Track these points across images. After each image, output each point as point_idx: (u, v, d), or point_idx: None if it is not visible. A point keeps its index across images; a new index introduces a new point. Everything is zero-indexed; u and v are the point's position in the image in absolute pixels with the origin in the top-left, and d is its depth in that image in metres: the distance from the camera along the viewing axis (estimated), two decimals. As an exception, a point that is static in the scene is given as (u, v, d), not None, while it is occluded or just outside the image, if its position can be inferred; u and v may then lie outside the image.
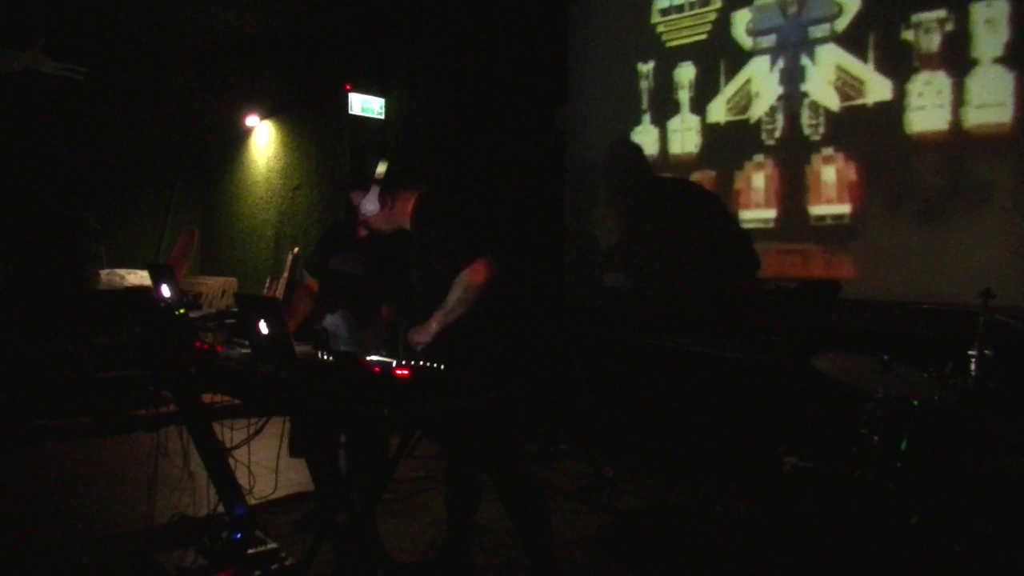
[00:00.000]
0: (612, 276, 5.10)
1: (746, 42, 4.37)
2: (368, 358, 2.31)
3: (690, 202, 4.70)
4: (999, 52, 3.43)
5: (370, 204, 2.93)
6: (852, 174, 3.93)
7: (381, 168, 2.92)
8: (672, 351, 4.10)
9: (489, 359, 2.70)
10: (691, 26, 4.64)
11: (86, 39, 7.32)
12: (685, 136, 4.68)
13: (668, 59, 4.75)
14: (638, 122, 4.91)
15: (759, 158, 4.30)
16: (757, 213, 4.32)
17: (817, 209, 4.06)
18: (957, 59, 3.55)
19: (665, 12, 4.78)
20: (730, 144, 4.44)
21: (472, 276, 2.68)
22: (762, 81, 4.28)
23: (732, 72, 4.43)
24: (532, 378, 2.94)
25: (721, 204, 4.48)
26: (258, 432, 2.84)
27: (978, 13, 3.50)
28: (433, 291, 2.79)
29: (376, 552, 3.17)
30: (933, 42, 3.63)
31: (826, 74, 4.00)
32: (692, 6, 4.64)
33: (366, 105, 6.26)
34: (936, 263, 3.62)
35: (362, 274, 3.53)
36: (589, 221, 5.21)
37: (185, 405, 3.07)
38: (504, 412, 2.64)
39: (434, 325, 2.72)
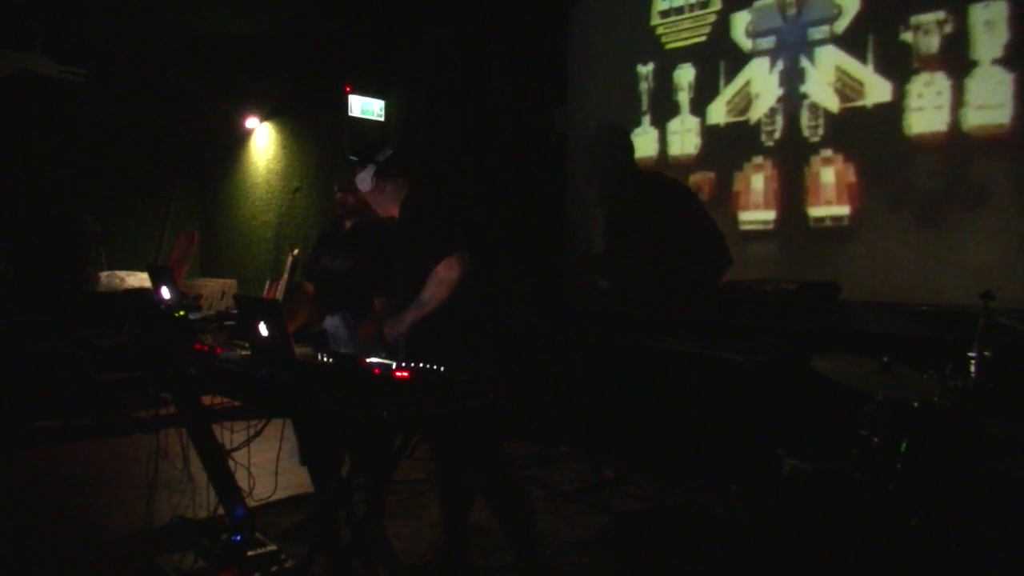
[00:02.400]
0: (603, 280, 5.10)
1: (745, 44, 4.37)
2: (368, 360, 2.31)
3: (670, 201, 4.71)
4: (998, 53, 3.43)
5: (364, 182, 3.00)
6: (851, 175, 3.93)
7: (385, 154, 3.00)
8: (672, 353, 4.09)
9: (470, 359, 2.72)
10: (690, 28, 4.64)
11: (86, 41, 7.32)
12: (685, 138, 4.68)
13: (668, 61, 4.75)
14: (638, 123, 4.91)
15: (758, 159, 4.30)
16: (756, 214, 4.32)
17: (816, 210, 4.06)
18: (956, 60, 3.55)
19: (665, 14, 4.79)
20: (730, 146, 4.44)
21: (446, 271, 2.75)
22: (761, 83, 4.29)
23: (732, 74, 4.43)
24: (524, 378, 2.95)
25: (699, 202, 4.51)
26: (258, 434, 2.83)
27: (977, 14, 3.50)
28: (412, 284, 2.84)
29: (384, 554, 3.17)
30: (932, 43, 3.63)
31: (825, 75, 4.00)
32: (691, 8, 4.64)
33: (366, 107, 6.25)
34: (936, 264, 3.62)
35: (350, 269, 3.53)
36: (589, 222, 5.21)
37: (185, 407, 3.07)
38: (487, 413, 2.65)
39: (407, 318, 2.79)
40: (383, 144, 3.08)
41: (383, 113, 6.32)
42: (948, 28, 3.57)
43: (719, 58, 4.49)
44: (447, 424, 2.60)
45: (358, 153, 3.09)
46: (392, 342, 2.82)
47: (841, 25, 3.95)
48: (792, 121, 4.14)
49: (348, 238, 3.58)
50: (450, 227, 2.90)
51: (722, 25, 4.48)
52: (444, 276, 2.74)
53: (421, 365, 2.22)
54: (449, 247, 2.77)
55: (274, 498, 3.34)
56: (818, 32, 4.04)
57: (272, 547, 2.99)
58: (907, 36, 3.70)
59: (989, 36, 3.46)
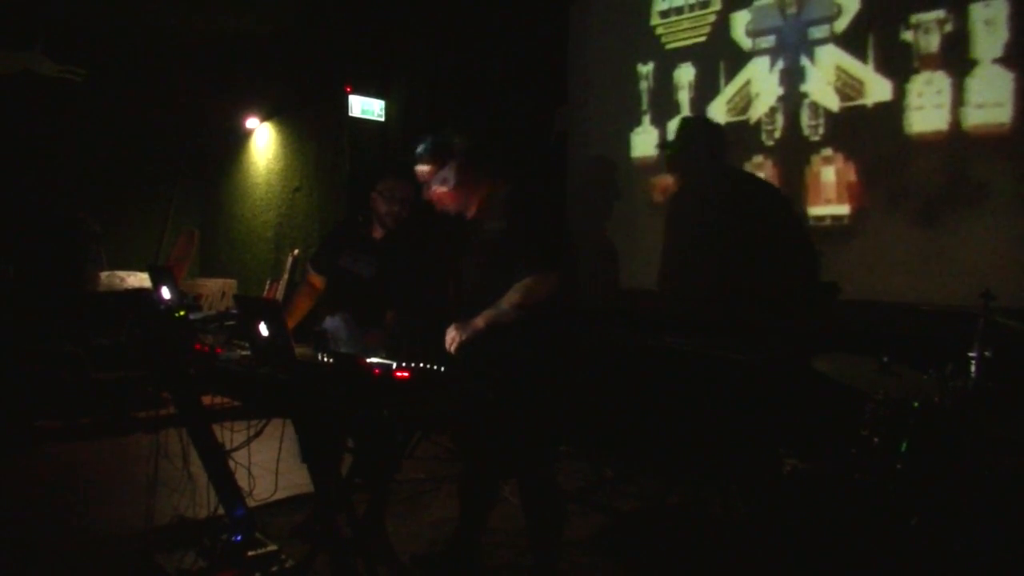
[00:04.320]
0: (615, 274, 5.07)
1: (745, 43, 4.37)
2: (368, 360, 2.31)
3: (691, 200, 4.69)
4: (998, 52, 3.43)
5: (443, 181, 2.77)
6: (852, 174, 3.92)
7: (464, 142, 2.79)
8: (672, 352, 4.09)
9: (521, 366, 2.65)
10: (690, 28, 4.63)
11: (85, 40, 7.32)
12: (685, 137, 4.66)
13: (668, 60, 4.75)
14: (638, 123, 4.90)
15: (759, 159, 4.30)
16: (757, 214, 4.31)
17: (817, 210, 4.06)
18: (956, 59, 3.55)
19: (664, 14, 4.78)
20: (730, 145, 4.44)
21: (540, 285, 2.61)
22: (762, 82, 4.28)
23: (732, 73, 4.43)
24: (545, 381, 2.86)
25: (785, 200, 4.26)
26: (258, 434, 2.84)
27: (977, 13, 3.49)
28: (488, 287, 2.69)
29: (385, 553, 3.17)
30: (932, 42, 3.63)
31: (826, 75, 4.00)
32: (691, 8, 4.64)
33: (366, 107, 6.27)
34: (936, 263, 3.62)
35: (373, 276, 3.49)
36: (589, 221, 5.20)
37: (185, 407, 3.06)
38: (530, 416, 2.61)
39: (480, 322, 2.64)
40: (449, 133, 2.81)
41: (383, 113, 6.33)
42: (948, 27, 3.57)
43: (719, 57, 4.48)
44: (471, 424, 2.56)
45: (432, 148, 2.81)
46: (453, 346, 2.65)
47: (841, 24, 3.94)
48: (792, 120, 4.14)
49: (378, 245, 3.52)
50: (554, 240, 2.74)
51: (722, 24, 4.48)
52: (536, 290, 2.60)
53: (421, 364, 2.22)
54: (552, 262, 2.63)
55: (274, 498, 3.34)
56: (818, 31, 4.03)
57: (272, 547, 2.99)
58: (907, 35, 3.70)
59: (989, 35, 3.46)
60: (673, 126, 4.71)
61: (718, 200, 4.52)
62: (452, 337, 2.67)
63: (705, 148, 4.59)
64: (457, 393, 2.20)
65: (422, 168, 2.88)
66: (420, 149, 2.89)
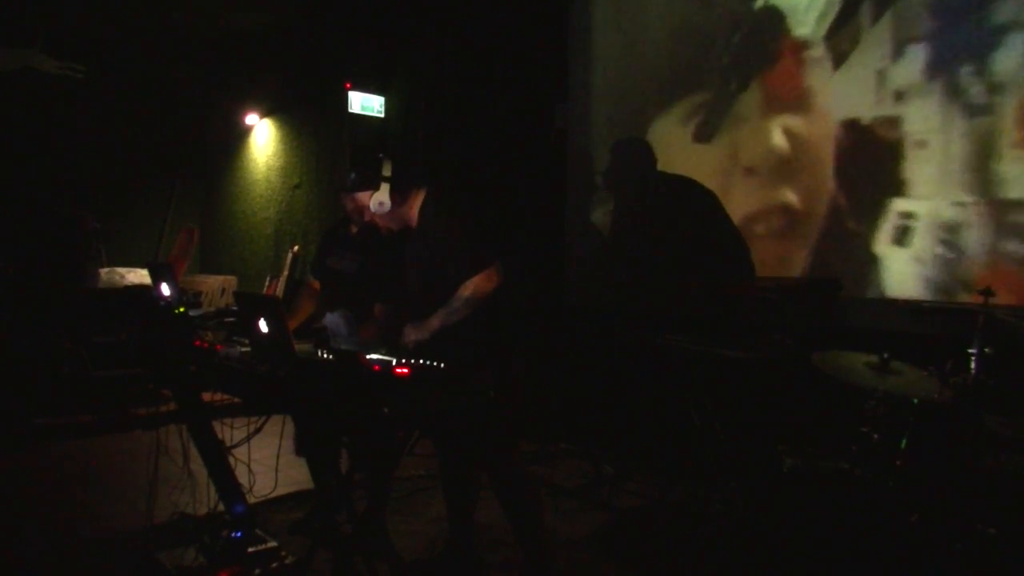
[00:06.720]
0: (616, 272, 5.08)
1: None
2: (368, 356, 2.31)
3: (691, 199, 4.70)
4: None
5: (383, 205, 2.89)
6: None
7: (387, 167, 2.90)
8: (673, 349, 4.09)
9: (484, 358, 2.70)
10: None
11: (86, 38, 7.32)
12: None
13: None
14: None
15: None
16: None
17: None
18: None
19: (665, 10, 4.77)
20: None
21: (484, 282, 2.72)
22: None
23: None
24: (529, 377, 2.92)
25: (718, 201, 4.46)
26: (258, 430, 2.84)
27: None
28: (435, 289, 2.78)
29: (385, 550, 3.18)
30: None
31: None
32: (692, 4, 4.63)
33: (366, 103, 6.25)
34: (935, 260, 3.61)
35: (356, 271, 3.53)
36: (590, 219, 5.20)
37: (185, 403, 3.07)
38: (498, 409, 2.64)
39: (435, 323, 2.72)
40: (377, 159, 2.93)
41: (383, 109, 6.32)
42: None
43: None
44: (448, 420, 2.60)
45: (358, 180, 2.95)
46: (410, 346, 2.76)
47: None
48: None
49: (356, 240, 3.56)
50: (488, 236, 2.86)
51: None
52: (481, 287, 2.71)
53: (421, 361, 2.22)
54: (488, 258, 2.75)
55: (274, 494, 3.35)
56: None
57: (272, 543, 3.00)
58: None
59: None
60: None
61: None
62: (410, 338, 2.75)
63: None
64: (457, 389, 2.20)
65: (358, 197, 2.98)
66: (351, 181, 3.00)
